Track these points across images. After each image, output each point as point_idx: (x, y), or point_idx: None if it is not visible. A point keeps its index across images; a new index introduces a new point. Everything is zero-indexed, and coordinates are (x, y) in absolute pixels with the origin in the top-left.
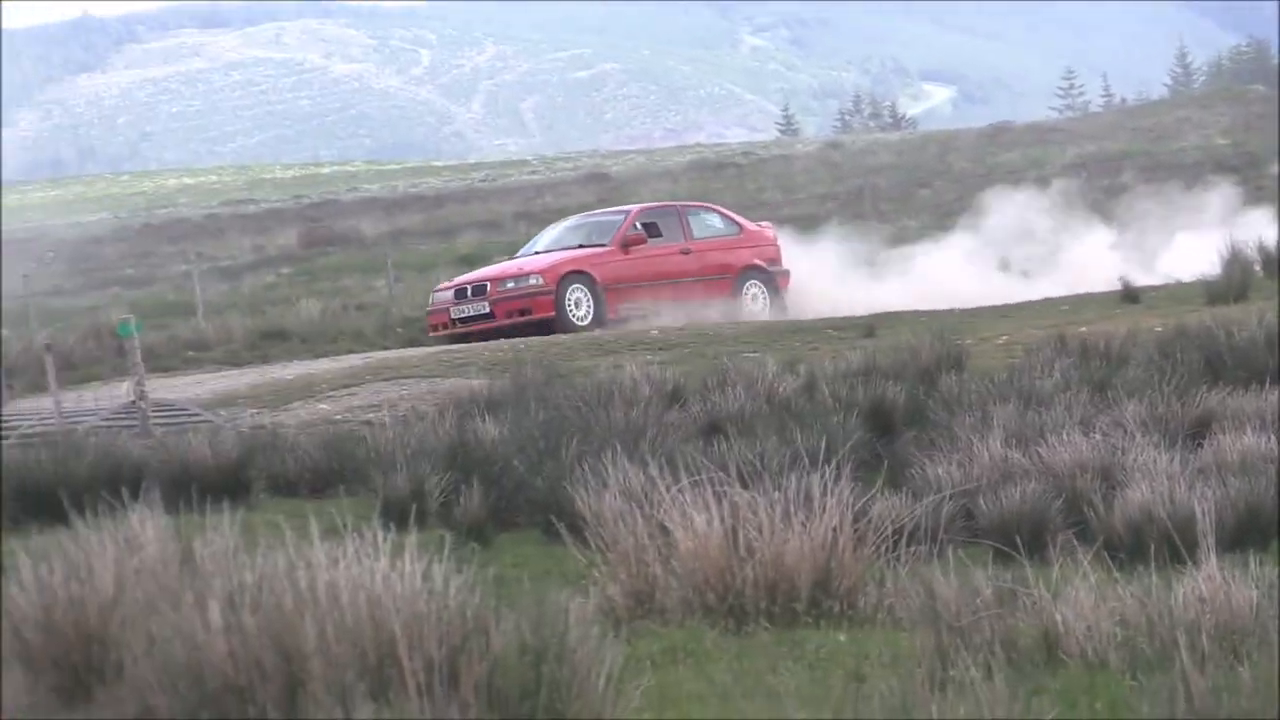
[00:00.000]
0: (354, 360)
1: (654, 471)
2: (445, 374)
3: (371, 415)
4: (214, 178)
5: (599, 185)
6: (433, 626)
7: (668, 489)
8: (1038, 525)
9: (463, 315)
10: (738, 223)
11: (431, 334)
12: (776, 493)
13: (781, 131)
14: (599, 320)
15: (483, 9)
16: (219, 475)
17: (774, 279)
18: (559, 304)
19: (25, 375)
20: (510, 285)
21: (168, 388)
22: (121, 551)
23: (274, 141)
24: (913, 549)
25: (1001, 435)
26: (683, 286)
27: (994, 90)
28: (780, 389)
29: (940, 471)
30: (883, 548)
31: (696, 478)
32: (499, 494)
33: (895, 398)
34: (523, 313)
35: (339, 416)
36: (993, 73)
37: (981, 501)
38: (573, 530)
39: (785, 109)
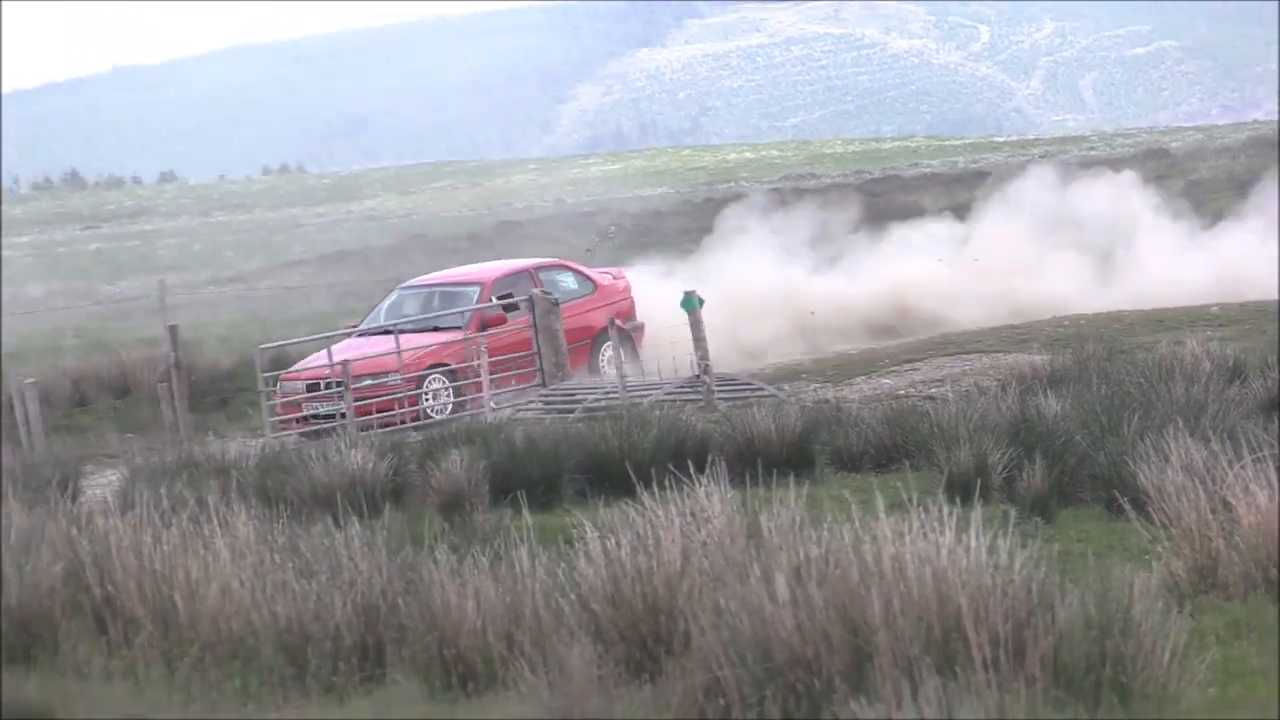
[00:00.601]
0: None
1: (1215, 447)
2: (1007, 349)
3: (934, 390)
4: (775, 152)
5: (1158, 162)
6: (998, 601)
7: (1229, 465)
8: None
9: (317, 413)
10: (590, 279)
11: (281, 425)
12: None
13: None
14: (457, 409)
15: None
16: (783, 449)
17: (629, 339)
18: (420, 401)
19: None
20: (368, 384)
21: (730, 362)
22: (688, 524)
23: (834, 117)
24: None
25: None
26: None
27: None
28: None
29: None
30: None
31: (1258, 454)
32: (1061, 469)
33: None
34: (381, 411)
35: (901, 391)
36: None
37: None
38: (1135, 505)
39: None
